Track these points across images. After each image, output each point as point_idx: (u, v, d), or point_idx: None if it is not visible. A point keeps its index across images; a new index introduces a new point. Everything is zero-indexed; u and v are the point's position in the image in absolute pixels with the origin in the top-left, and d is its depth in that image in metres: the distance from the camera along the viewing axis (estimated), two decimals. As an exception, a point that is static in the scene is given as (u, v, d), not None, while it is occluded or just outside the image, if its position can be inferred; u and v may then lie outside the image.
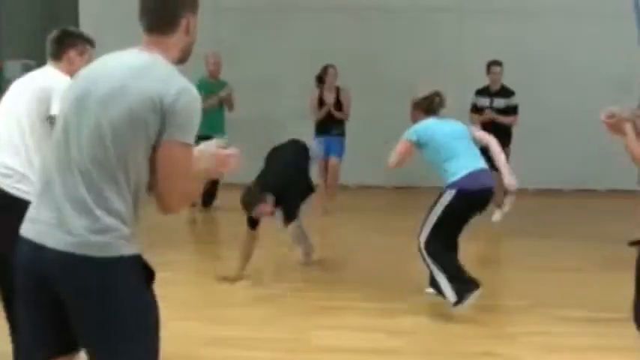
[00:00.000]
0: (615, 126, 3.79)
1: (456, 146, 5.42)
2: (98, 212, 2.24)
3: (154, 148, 2.26)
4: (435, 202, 5.38)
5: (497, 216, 9.09)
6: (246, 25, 11.57)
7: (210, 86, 9.32)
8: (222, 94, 9.20)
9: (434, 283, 5.43)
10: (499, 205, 9.02)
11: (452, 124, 5.59)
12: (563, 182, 11.24)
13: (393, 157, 5.50)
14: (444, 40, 11.25)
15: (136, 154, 2.25)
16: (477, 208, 5.41)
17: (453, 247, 5.56)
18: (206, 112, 9.96)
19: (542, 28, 10.97)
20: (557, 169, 11.05)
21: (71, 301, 2.27)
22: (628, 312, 5.44)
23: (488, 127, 9.18)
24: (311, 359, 4.50)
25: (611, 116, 3.79)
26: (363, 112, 10.11)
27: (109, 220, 2.25)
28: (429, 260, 5.33)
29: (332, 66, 9.57)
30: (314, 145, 7.04)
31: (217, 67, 9.43)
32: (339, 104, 9.46)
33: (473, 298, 5.15)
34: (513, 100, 9.13)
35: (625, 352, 4.62)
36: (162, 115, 2.23)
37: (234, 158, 2.53)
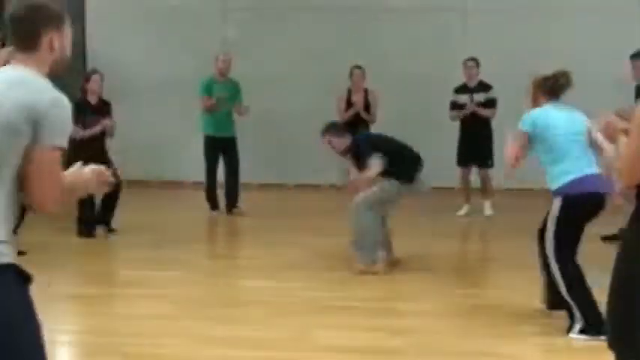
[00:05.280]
0: (611, 134, 3.57)
1: (567, 147, 4.82)
2: None
3: (25, 155, 2.37)
4: (547, 213, 4.91)
5: (488, 210, 9.26)
6: (254, 25, 11.58)
7: (218, 86, 9.35)
8: (241, 110, 9.37)
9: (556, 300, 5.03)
10: (488, 198, 9.35)
11: (571, 115, 4.93)
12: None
13: (506, 155, 4.89)
14: (447, 40, 11.24)
15: (10, 163, 2.36)
16: (590, 215, 4.83)
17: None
18: (214, 114, 10.17)
19: (544, 26, 10.96)
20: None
21: None
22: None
23: (469, 120, 9.30)
24: (313, 358, 4.51)
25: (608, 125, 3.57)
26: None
27: None
28: (559, 278, 4.82)
29: (358, 67, 9.60)
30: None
31: (227, 65, 9.43)
32: (366, 106, 9.48)
33: (599, 339, 4.31)
34: (492, 94, 9.33)
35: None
36: (35, 123, 2.35)
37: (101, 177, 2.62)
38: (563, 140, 4.84)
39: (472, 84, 9.44)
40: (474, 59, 9.48)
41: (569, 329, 4.80)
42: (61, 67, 2.58)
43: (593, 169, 4.86)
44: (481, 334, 4.94)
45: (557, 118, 4.87)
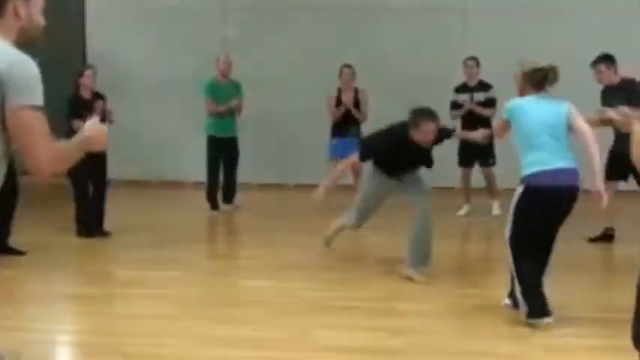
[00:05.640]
0: (625, 123, 3.79)
1: (539, 139, 4.90)
2: None
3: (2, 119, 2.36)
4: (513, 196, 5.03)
5: (496, 209, 9.26)
6: (254, 25, 11.59)
7: (221, 87, 9.46)
8: (233, 104, 9.41)
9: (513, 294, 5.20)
10: (496, 197, 9.37)
11: (550, 108, 4.97)
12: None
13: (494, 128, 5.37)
14: (447, 40, 11.24)
15: None
16: (552, 209, 4.91)
17: (537, 254, 5.04)
18: (218, 116, 10.42)
19: (544, 26, 10.97)
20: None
21: None
22: (631, 312, 5.45)
23: (469, 120, 9.31)
24: (313, 358, 4.51)
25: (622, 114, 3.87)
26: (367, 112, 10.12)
27: None
28: (510, 258, 5.01)
29: (347, 66, 9.58)
30: None
31: (227, 66, 9.52)
32: (357, 105, 9.47)
33: (539, 324, 4.90)
34: (492, 93, 9.34)
35: (628, 352, 4.63)
36: (0, 85, 2.33)
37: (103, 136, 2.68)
38: (536, 131, 4.91)
39: (472, 83, 9.46)
40: (474, 58, 9.50)
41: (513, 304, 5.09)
42: (29, 35, 2.56)
43: (564, 162, 4.89)
44: (481, 334, 4.94)
45: (534, 109, 4.94)
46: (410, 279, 6.25)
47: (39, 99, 2.40)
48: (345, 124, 9.35)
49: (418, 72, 11.02)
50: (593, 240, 7.77)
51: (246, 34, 11.53)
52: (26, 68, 2.39)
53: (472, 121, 9.31)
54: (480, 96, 9.35)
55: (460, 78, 9.61)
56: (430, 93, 10.74)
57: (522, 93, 5.11)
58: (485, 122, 9.29)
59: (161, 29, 11.66)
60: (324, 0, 11.45)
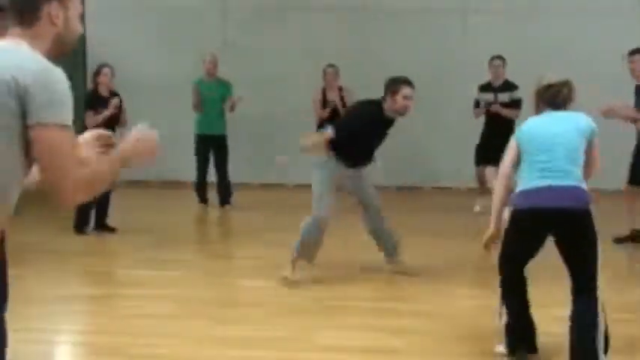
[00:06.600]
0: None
1: (536, 150, 4.27)
2: None
3: (26, 137, 2.10)
4: None
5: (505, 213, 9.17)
6: (254, 25, 11.59)
7: (207, 86, 9.57)
8: (235, 99, 9.50)
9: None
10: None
11: (567, 119, 4.34)
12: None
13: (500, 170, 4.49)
14: (447, 41, 11.24)
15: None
16: (535, 232, 4.34)
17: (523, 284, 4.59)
18: (205, 113, 10.61)
19: (544, 26, 10.97)
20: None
21: None
22: (630, 313, 5.46)
23: (493, 121, 9.24)
24: (313, 358, 4.52)
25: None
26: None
27: None
28: (499, 291, 4.57)
29: (331, 65, 9.57)
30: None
31: (213, 65, 9.69)
32: (342, 104, 9.46)
33: None
34: (517, 94, 9.17)
35: (627, 353, 4.63)
36: (20, 97, 2.07)
37: (154, 144, 2.38)
38: (532, 142, 4.32)
39: (497, 83, 9.28)
40: (500, 57, 9.32)
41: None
42: (65, 44, 2.36)
43: (551, 180, 4.22)
44: (481, 335, 4.94)
45: (542, 122, 4.40)
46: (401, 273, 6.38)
47: (66, 117, 2.11)
48: (332, 121, 9.34)
49: (418, 72, 10.98)
50: (619, 240, 7.61)
51: (246, 34, 11.53)
52: (53, 81, 2.12)
53: (496, 121, 9.17)
54: (504, 96, 9.19)
55: (459, 78, 9.60)
56: (430, 93, 10.80)
57: (537, 111, 4.52)
58: (509, 123, 9.15)
59: (161, 29, 11.66)
60: (324, 0, 11.46)
